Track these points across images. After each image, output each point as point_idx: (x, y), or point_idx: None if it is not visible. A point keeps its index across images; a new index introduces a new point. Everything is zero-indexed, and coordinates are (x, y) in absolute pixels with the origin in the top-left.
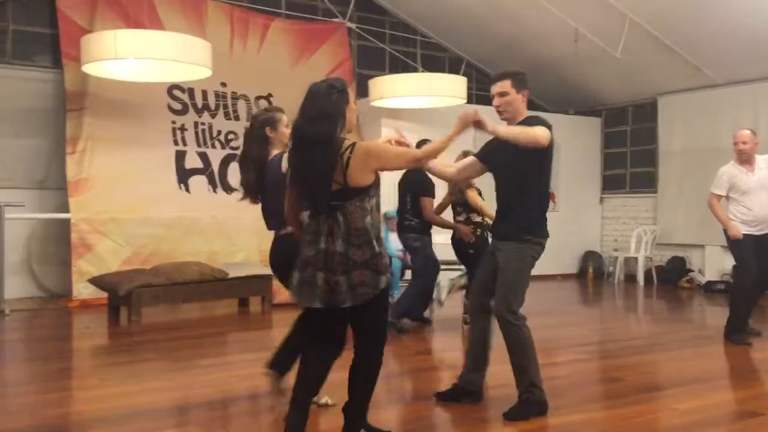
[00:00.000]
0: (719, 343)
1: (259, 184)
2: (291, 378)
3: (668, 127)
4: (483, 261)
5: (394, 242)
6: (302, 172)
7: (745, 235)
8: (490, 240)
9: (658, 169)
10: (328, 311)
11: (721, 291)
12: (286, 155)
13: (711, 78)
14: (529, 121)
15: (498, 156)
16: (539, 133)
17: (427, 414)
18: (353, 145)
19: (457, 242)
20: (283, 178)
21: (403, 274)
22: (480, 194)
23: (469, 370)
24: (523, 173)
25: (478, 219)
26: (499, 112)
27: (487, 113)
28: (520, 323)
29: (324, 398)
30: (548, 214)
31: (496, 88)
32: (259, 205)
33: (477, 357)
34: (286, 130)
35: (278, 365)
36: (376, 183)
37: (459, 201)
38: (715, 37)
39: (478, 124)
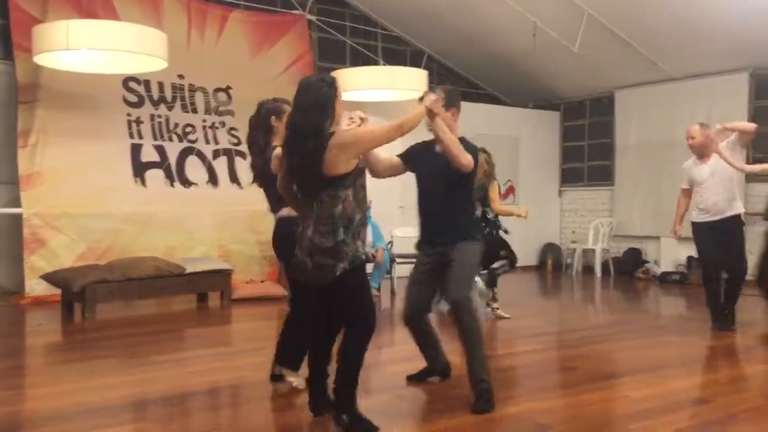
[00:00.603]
0: (673, 333)
1: (264, 170)
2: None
3: (624, 120)
4: (418, 274)
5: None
6: (295, 161)
7: (701, 223)
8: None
9: (615, 163)
10: (311, 289)
11: (675, 281)
12: (279, 149)
13: (667, 72)
14: (462, 140)
15: (424, 165)
16: (463, 157)
17: (387, 406)
18: (331, 134)
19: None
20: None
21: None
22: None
23: (430, 356)
24: (454, 183)
25: (491, 216)
26: (430, 130)
27: None
28: (474, 310)
29: (294, 379)
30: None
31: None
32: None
33: (430, 345)
34: None
35: (289, 360)
36: (357, 173)
37: (478, 195)
38: (670, 31)
39: (432, 114)
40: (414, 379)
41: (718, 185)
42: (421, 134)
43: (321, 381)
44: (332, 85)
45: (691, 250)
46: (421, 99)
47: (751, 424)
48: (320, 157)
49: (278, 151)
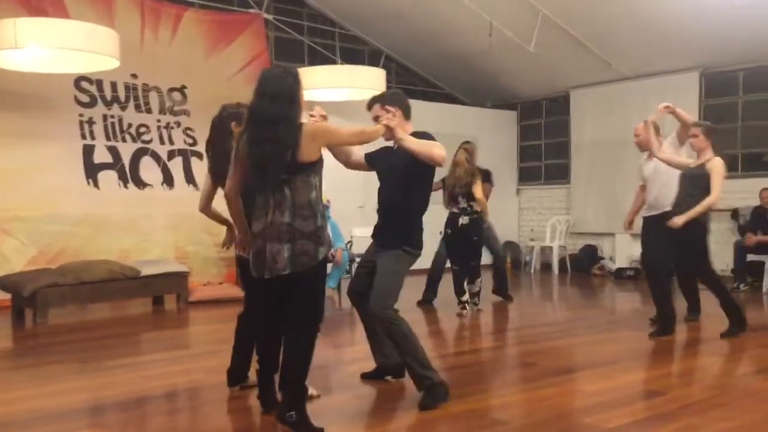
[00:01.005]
0: (628, 328)
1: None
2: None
3: (580, 120)
4: (364, 255)
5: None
6: (261, 148)
7: (645, 218)
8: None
9: (571, 161)
10: (274, 283)
11: (630, 277)
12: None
13: (620, 72)
14: (417, 135)
15: (384, 164)
16: (436, 150)
17: (340, 406)
18: (302, 124)
19: (464, 230)
20: None
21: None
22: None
23: (379, 351)
24: (405, 186)
25: (478, 208)
26: (388, 140)
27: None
28: (397, 320)
29: (309, 389)
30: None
31: (372, 113)
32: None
33: (376, 334)
34: None
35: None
36: (321, 162)
37: (463, 192)
38: (624, 32)
39: (391, 132)
40: (368, 377)
41: (657, 181)
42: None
43: (272, 375)
44: (297, 78)
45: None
46: (371, 106)
47: (702, 415)
48: (297, 144)
49: None
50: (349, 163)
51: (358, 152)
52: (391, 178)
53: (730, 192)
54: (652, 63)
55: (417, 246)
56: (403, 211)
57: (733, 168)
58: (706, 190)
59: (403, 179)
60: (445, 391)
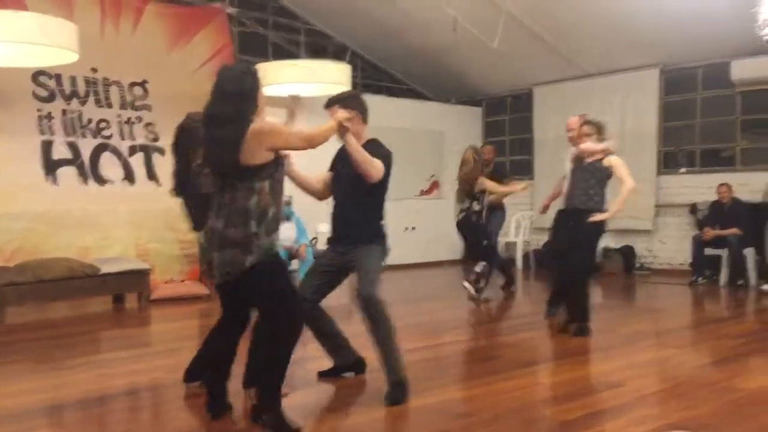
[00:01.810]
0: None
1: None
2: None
3: (542, 116)
4: (322, 265)
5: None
6: (213, 149)
7: (559, 210)
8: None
9: (534, 157)
10: (222, 289)
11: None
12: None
13: (582, 68)
14: (369, 147)
15: (341, 165)
16: (373, 171)
17: (305, 402)
18: (248, 125)
19: (458, 226)
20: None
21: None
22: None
23: (333, 349)
24: (365, 185)
25: (477, 207)
26: (341, 140)
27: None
28: (385, 306)
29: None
30: (434, 202)
31: (330, 113)
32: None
33: (331, 336)
34: None
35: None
36: (276, 164)
37: (466, 189)
38: (585, 29)
39: (342, 129)
40: (326, 375)
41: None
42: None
43: (223, 382)
44: (255, 75)
45: (606, 242)
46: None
47: (661, 405)
48: (238, 145)
49: None
50: (322, 192)
51: (323, 177)
52: (350, 184)
53: (689, 187)
54: (613, 60)
55: (385, 242)
56: (367, 210)
57: (691, 163)
58: (603, 184)
59: (364, 187)
60: (407, 387)
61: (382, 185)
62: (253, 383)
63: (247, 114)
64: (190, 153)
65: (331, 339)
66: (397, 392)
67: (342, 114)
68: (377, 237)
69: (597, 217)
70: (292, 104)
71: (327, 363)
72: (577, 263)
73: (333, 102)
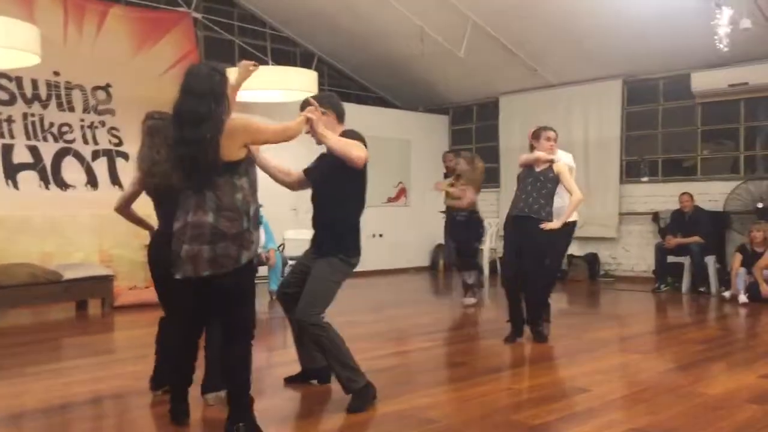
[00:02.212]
0: (555, 327)
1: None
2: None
3: (508, 125)
4: (300, 259)
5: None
6: (186, 148)
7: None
8: None
9: (500, 165)
10: (189, 285)
11: (558, 278)
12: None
13: (546, 78)
14: (345, 136)
15: (316, 172)
16: (354, 151)
17: (271, 409)
18: (224, 122)
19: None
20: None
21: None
22: None
23: (306, 355)
24: (337, 191)
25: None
26: (308, 133)
27: None
28: (323, 326)
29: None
30: (401, 209)
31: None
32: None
33: (303, 342)
34: None
35: (213, 383)
36: (249, 161)
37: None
38: (549, 40)
39: (312, 123)
40: (292, 381)
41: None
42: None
43: (186, 387)
44: (224, 74)
45: (571, 249)
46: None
47: (626, 410)
48: (217, 143)
49: None
50: (292, 185)
51: (297, 171)
52: (322, 187)
53: (651, 195)
54: (577, 71)
55: (354, 253)
56: (336, 219)
57: (653, 173)
58: (552, 193)
59: (332, 187)
60: (373, 394)
61: (352, 189)
62: (211, 388)
63: (220, 112)
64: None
65: (303, 339)
66: (357, 400)
67: (310, 108)
68: (339, 250)
69: (547, 225)
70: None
71: (293, 369)
72: (536, 270)
73: (308, 102)
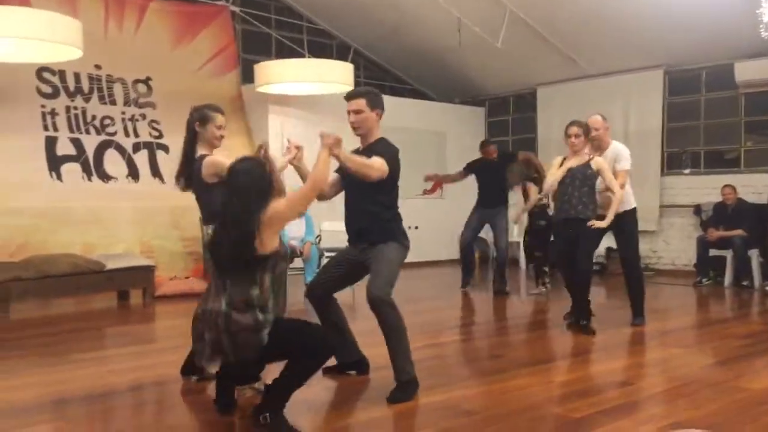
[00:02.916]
0: (594, 320)
1: (188, 176)
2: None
3: (546, 116)
4: (340, 259)
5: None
6: (225, 246)
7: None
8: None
9: (538, 157)
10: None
11: (595, 272)
12: (208, 158)
13: (586, 69)
14: (376, 145)
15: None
16: (370, 171)
17: (309, 398)
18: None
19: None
20: (201, 182)
21: (291, 261)
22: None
23: (339, 348)
24: (376, 184)
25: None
26: (354, 128)
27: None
28: (395, 305)
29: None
30: (437, 202)
31: (351, 106)
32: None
33: (339, 330)
34: (215, 131)
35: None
36: (275, 256)
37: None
38: (588, 29)
39: (332, 152)
40: (329, 371)
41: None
42: (355, 141)
43: (232, 381)
44: (265, 167)
45: (609, 242)
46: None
47: (668, 404)
48: (247, 240)
49: (210, 159)
50: (328, 192)
51: (331, 180)
52: (361, 187)
53: (693, 188)
54: (618, 61)
55: (406, 239)
56: (383, 207)
57: (695, 165)
58: (594, 188)
59: (373, 186)
60: (416, 389)
61: (389, 183)
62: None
63: (264, 208)
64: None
65: (339, 333)
66: (401, 392)
67: (328, 139)
68: (393, 234)
69: (595, 224)
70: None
71: (330, 360)
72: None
73: (355, 96)
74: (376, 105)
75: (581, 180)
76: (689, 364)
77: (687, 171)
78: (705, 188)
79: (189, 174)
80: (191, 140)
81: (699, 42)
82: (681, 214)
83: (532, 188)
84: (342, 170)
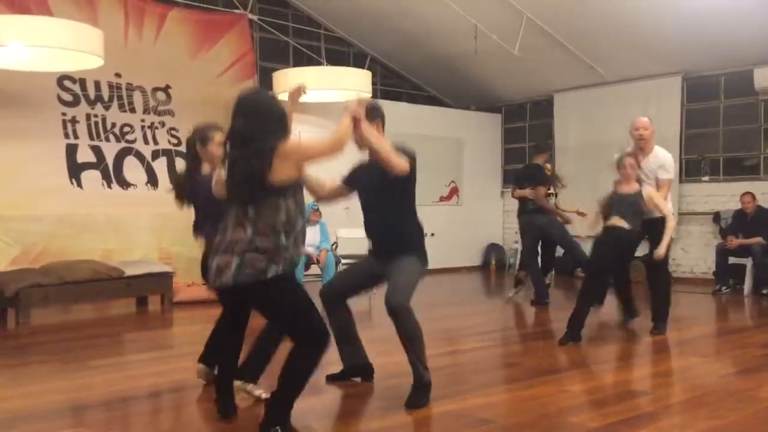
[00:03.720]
0: (612, 329)
1: (189, 195)
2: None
3: (563, 123)
4: (359, 265)
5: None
6: (236, 167)
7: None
8: None
9: (555, 164)
10: (230, 295)
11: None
12: (218, 177)
13: (603, 76)
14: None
15: (365, 179)
16: (395, 161)
17: (325, 406)
18: (277, 145)
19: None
20: (212, 197)
21: (307, 267)
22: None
23: (346, 348)
24: (395, 196)
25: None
26: (358, 145)
27: (388, 107)
28: (413, 312)
29: (259, 391)
30: (453, 209)
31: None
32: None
33: (347, 334)
34: (216, 150)
35: (248, 372)
36: (299, 185)
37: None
38: (606, 36)
39: (356, 122)
40: (335, 379)
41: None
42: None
43: (231, 381)
44: (275, 98)
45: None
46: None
47: (688, 414)
48: (268, 164)
49: (221, 178)
50: (324, 196)
51: (331, 182)
52: (377, 193)
53: (712, 195)
54: (635, 67)
55: (426, 257)
56: (402, 222)
57: (714, 172)
58: (642, 211)
59: (389, 192)
60: (429, 391)
61: (410, 186)
62: (240, 376)
63: (277, 132)
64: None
65: (347, 337)
66: (417, 397)
67: (352, 106)
68: (412, 246)
69: (659, 256)
70: (354, 109)
71: (335, 368)
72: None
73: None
74: (375, 116)
75: (629, 204)
76: (709, 374)
77: (706, 178)
78: (724, 195)
79: (190, 191)
80: (194, 159)
81: (718, 48)
82: (700, 221)
83: (541, 191)
84: (353, 180)
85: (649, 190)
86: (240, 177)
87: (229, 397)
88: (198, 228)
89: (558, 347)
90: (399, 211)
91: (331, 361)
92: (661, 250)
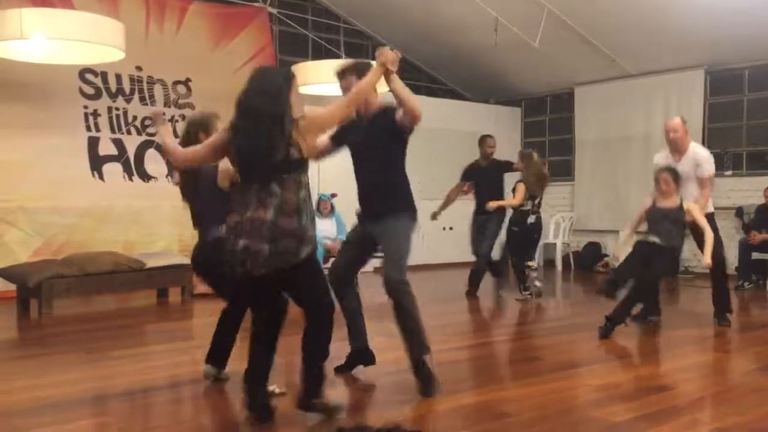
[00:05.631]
0: (632, 324)
1: (192, 186)
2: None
3: (583, 117)
4: (350, 239)
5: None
6: (252, 142)
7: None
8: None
9: (575, 158)
10: (252, 281)
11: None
12: (223, 165)
13: (625, 69)
14: (386, 109)
15: (363, 139)
16: (419, 111)
17: (344, 397)
18: (296, 120)
19: (531, 227)
20: (215, 188)
21: (326, 261)
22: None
23: (357, 334)
24: (390, 154)
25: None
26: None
27: None
28: (410, 288)
29: (272, 386)
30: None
31: (342, 84)
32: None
33: (354, 316)
34: None
35: (214, 360)
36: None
37: (536, 193)
38: (628, 28)
39: (388, 72)
40: (343, 370)
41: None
42: None
43: (264, 379)
44: (287, 76)
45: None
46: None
47: (711, 409)
48: (290, 140)
49: (225, 165)
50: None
51: (321, 140)
52: (372, 151)
53: (735, 190)
54: (657, 60)
55: (415, 212)
56: (396, 182)
57: (737, 166)
58: (683, 224)
59: (384, 150)
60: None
61: (400, 153)
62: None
63: (283, 110)
64: None
65: (354, 318)
66: (427, 385)
67: (386, 55)
68: (404, 206)
69: (706, 262)
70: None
71: (340, 361)
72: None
73: (345, 71)
74: (364, 75)
75: (671, 221)
76: (731, 369)
77: (728, 173)
78: (747, 190)
79: (193, 186)
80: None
81: (741, 41)
82: (722, 216)
83: (521, 188)
84: (342, 139)
85: (689, 207)
86: (257, 157)
87: (263, 399)
88: (198, 220)
89: (578, 342)
90: (396, 169)
91: (338, 356)
92: (706, 260)
